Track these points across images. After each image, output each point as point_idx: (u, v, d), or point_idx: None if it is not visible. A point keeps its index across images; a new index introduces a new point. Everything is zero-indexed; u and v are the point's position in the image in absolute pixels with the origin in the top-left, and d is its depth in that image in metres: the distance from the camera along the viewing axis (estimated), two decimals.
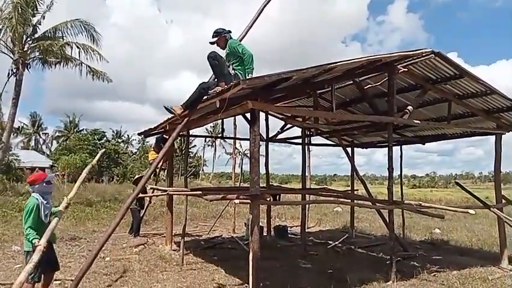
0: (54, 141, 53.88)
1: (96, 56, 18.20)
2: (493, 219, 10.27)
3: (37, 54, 17.84)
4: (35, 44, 17.60)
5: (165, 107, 6.07)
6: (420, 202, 7.32)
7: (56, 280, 5.86)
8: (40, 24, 17.98)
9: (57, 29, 17.89)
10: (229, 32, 6.00)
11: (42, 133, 57.01)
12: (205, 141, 63.63)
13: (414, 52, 6.43)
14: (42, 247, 4.29)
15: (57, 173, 26.08)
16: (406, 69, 6.78)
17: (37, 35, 17.99)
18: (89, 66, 18.53)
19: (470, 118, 8.36)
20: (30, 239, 4.42)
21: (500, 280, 6.76)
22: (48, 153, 49.63)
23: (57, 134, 52.99)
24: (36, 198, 4.63)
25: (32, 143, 55.17)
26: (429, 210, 6.90)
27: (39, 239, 4.39)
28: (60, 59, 17.93)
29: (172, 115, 6.30)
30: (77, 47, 17.95)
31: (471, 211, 6.15)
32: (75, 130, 49.73)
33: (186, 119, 5.98)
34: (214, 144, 66.25)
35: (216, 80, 5.88)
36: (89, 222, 12.91)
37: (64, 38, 18.03)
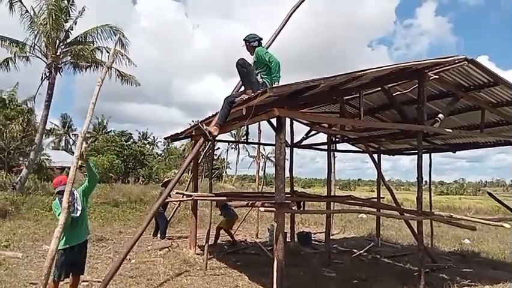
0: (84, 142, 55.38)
1: (125, 60, 18.65)
2: None
3: (69, 58, 18.47)
4: (67, 49, 18.24)
5: (200, 126, 6.04)
6: (451, 214, 7.08)
7: (83, 281, 6.01)
8: (72, 30, 18.57)
9: (88, 34, 18.45)
10: (261, 39, 5.98)
11: (72, 134, 58.74)
12: (229, 144, 64.05)
13: (447, 59, 6.25)
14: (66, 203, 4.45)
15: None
16: (437, 76, 6.58)
17: (69, 40, 18.59)
18: (118, 70, 19.00)
19: (504, 126, 8.05)
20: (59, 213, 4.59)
21: None
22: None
23: (86, 135, 54.50)
24: (56, 201, 4.88)
25: (63, 144, 56.97)
26: (460, 221, 6.68)
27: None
28: (91, 63, 18.48)
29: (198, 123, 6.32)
30: (107, 52, 18.44)
31: (506, 225, 5.90)
32: (103, 131, 51.04)
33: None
34: (237, 147, 66.56)
35: (239, 91, 5.88)
36: (116, 223, 13.20)
37: (94, 42, 18.61)
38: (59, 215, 4.70)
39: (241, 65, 5.70)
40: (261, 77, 5.66)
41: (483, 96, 7.25)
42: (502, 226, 6.01)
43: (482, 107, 7.41)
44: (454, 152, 10.07)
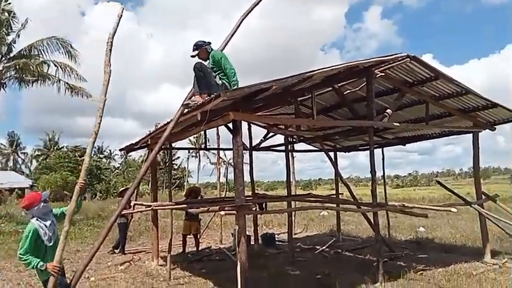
0: (34, 160, 52.70)
1: (74, 75, 17.99)
2: (475, 215, 10.45)
3: (13, 73, 17.56)
4: (11, 63, 17.31)
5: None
6: (404, 203, 7.44)
7: None
8: (15, 43, 17.76)
9: (33, 46, 17.62)
10: (209, 43, 6.00)
11: (21, 152, 55.76)
12: (189, 152, 63.21)
13: (390, 57, 6.58)
14: (57, 268, 4.03)
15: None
16: (383, 74, 6.89)
17: (12, 53, 17.69)
18: (67, 83, 18.28)
19: (447, 118, 8.56)
20: (34, 266, 4.00)
21: (484, 274, 6.92)
22: (28, 172, 48.49)
23: (36, 152, 51.76)
24: (35, 225, 4.14)
25: (11, 163, 53.80)
26: (412, 210, 7.02)
27: (43, 262, 4.05)
28: (38, 77, 17.67)
29: (155, 129, 6.22)
30: (55, 65, 17.72)
31: (453, 209, 6.28)
32: (55, 148, 48.76)
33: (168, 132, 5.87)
34: (198, 154, 65.80)
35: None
36: (72, 242, 12.57)
37: (41, 56, 17.80)
38: (26, 235, 4.02)
39: (199, 68, 5.67)
40: (220, 79, 5.68)
41: (426, 90, 7.68)
42: (450, 211, 6.40)
43: (426, 101, 7.84)
44: (404, 145, 10.57)
